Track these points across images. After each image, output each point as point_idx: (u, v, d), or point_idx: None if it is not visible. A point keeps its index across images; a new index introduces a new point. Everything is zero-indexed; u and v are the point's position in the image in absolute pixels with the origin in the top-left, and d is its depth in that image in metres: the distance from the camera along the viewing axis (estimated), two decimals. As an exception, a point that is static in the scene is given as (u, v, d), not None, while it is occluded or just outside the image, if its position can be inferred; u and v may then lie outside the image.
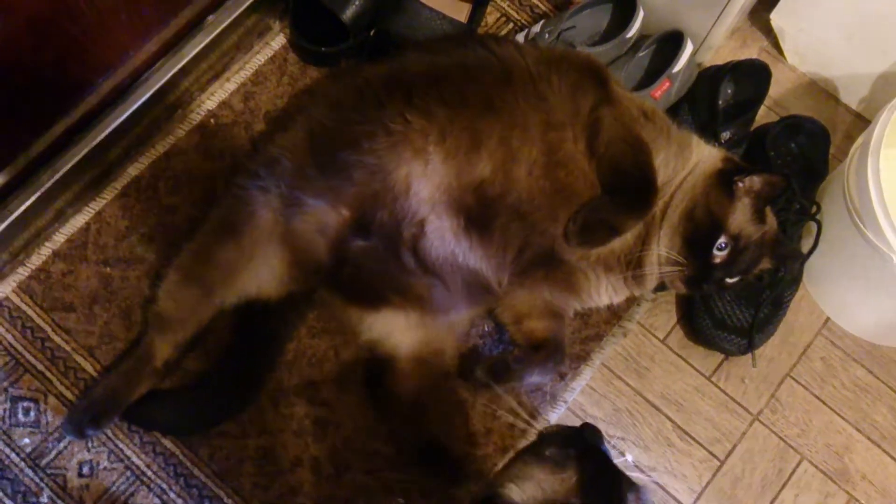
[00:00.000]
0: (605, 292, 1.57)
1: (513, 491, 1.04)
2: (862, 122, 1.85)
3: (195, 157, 1.69)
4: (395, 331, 1.53)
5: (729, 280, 1.48)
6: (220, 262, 1.46)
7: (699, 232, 1.46)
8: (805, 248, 1.60)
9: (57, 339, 1.56)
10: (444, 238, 1.44)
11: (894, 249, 1.43)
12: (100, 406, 1.46)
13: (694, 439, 1.60)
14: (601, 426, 1.57)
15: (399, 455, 1.55)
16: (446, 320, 1.55)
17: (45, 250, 1.60)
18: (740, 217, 1.47)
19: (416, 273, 1.47)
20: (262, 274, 1.47)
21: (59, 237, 1.61)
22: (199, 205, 1.64)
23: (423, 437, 1.53)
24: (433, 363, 1.55)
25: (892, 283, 1.49)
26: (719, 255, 1.45)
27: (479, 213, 1.44)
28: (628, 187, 1.47)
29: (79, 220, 1.63)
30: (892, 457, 1.61)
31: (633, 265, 1.50)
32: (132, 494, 1.50)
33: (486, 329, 1.64)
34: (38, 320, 1.56)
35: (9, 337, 1.55)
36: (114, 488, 1.50)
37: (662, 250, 1.47)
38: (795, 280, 1.65)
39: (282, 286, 1.50)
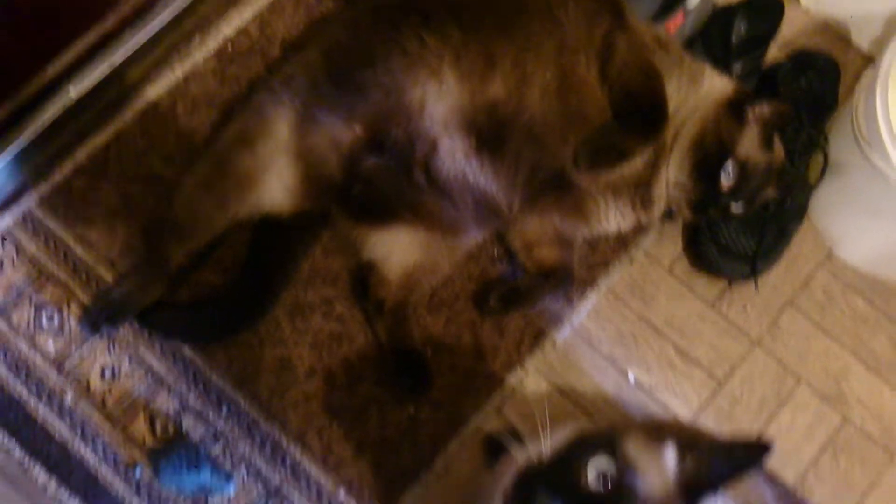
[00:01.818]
0: (613, 218, 1.60)
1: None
2: (873, 63, 1.86)
3: (212, 83, 1.73)
4: (396, 250, 1.58)
5: (734, 207, 1.51)
6: (234, 172, 1.50)
7: (708, 157, 1.49)
8: (811, 183, 1.63)
9: (79, 250, 1.61)
10: (455, 158, 1.48)
11: (898, 170, 1.46)
12: (115, 306, 1.53)
13: (695, 362, 1.65)
14: (605, 347, 1.64)
15: (380, 361, 1.61)
16: (453, 242, 1.60)
17: (67, 166, 1.65)
18: (748, 143, 1.49)
19: (427, 191, 1.51)
20: (275, 187, 1.51)
21: (81, 154, 1.66)
22: (216, 128, 1.67)
23: (402, 346, 1.59)
24: (423, 280, 1.61)
25: (894, 210, 1.53)
26: (726, 181, 1.48)
27: (491, 134, 1.47)
28: (639, 112, 1.50)
29: (99, 140, 1.67)
30: (888, 383, 1.66)
31: (641, 190, 1.54)
32: (153, 397, 1.57)
33: (497, 254, 1.69)
34: (61, 233, 1.62)
35: (31, 247, 1.61)
36: (135, 391, 1.57)
37: (671, 175, 1.50)
38: (801, 211, 1.68)
39: (294, 202, 1.54)
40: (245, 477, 1.55)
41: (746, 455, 0.92)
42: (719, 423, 1.61)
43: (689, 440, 0.96)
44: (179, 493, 1.52)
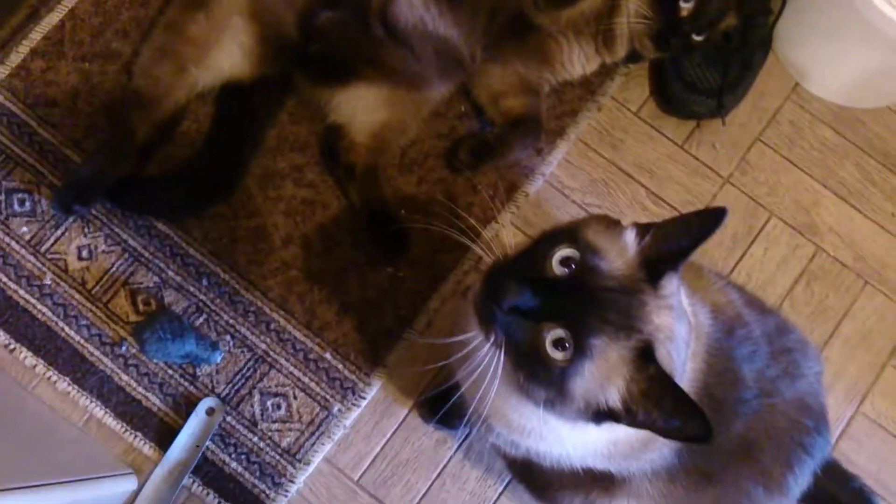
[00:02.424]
0: (577, 60, 1.59)
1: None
2: None
3: (163, -50, 1.69)
4: (361, 110, 1.57)
5: (696, 36, 1.51)
6: (190, 35, 1.48)
7: (666, -16, 1.47)
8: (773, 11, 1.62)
9: (44, 133, 1.60)
10: (413, 4, 1.46)
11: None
12: (85, 184, 1.52)
13: (667, 203, 1.66)
14: (577, 195, 1.65)
15: (356, 225, 1.61)
16: (418, 97, 1.59)
17: (23, 48, 1.62)
18: (706, -33, 1.48)
19: (386, 43, 1.50)
20: (233, 50, 1.50)
21: (36, 35, 1.63)
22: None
23: (377, 208, 1.59)
24: (391, 140, 1.60)
25: (858, 32, 1.51)
26: (685, 7, 1.47)
27: (448, -22, 1.45)
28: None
29: (53, 18, 1.64)
30: (857, 209, 1.68)
31: (603, 27, 1.52)
32: (132, 274, 1.58)
33: (464, 109, 1.68)
34: (24, 116, 1.60)
35: (-4, 133, 1.60)
36: (113, 269, 1.58)
37: (630, 7, 1.49)
38: (764, 43, 1.67)
39: (254, 66, 1.53)
40: (231, 345, 1.57)
41: (702, 223, 0.93)
42: (705, 264, 1.63)
43: (649, 224, 0.98)
44: (167, 364, 1.55)
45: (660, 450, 1.08)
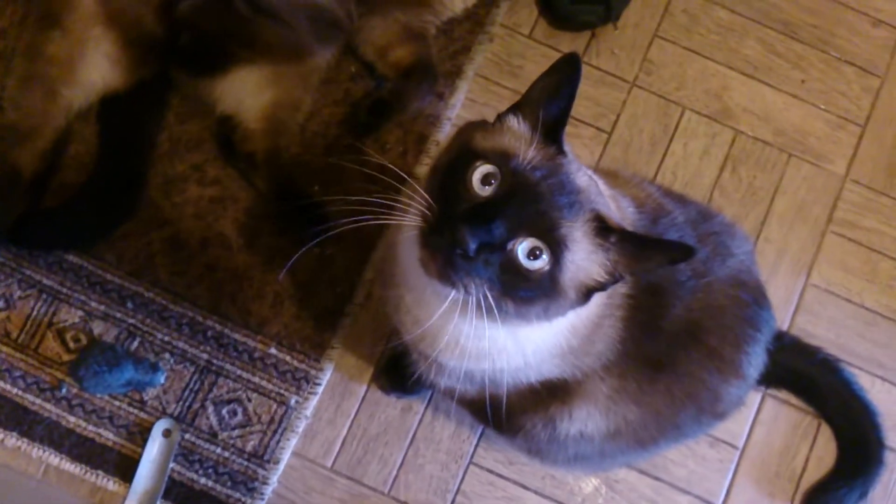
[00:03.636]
0: (455, -6, 1.55)
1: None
2: None
3: (9, -25, 1.61)
4: (247, 94, 1.51)
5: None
6: (51, 56, 1.42)
7: None
8: None
9: (-72, 190, 1.53)
10: (272, -26, 1.40)
11: None
12: (-20, 231, 1.46)
13: (579, 120, 1.63)
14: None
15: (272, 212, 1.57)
16: (302, 68, 1.53)
17: None
18: None
19: (255, 20, 1.44)
20: (100, 62, 1.44)
21: None
22: (23, 21, 1.55)
23: (288, 191, 1.54)
24: (286, 119, 1.55)
25: None
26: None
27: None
28: None
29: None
30: (767, 84, 1.66)
31: None
32: (54, 313, 1.52)
33: (354, 70, 1.63)
34: None
35: None
36: (34, 313, 1.52)
37: None
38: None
39: (126, 73, 1.47)
40: (172, 363, 1.52)
41: (565, 73, 0.91)
42: (619, 168, 1.60)
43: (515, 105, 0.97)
44: (112, 396, 1.50)
45: (607, 334, 1.07)
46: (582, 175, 0.93)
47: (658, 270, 1.00)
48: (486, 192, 0.90)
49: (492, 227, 0.87)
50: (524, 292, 0.90)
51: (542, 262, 0.88)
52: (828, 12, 1.70)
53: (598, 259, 0.91)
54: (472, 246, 0.86)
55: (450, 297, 0.92)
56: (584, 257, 0.90)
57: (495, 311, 0.90)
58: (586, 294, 0.92)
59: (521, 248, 0.88)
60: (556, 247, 0.88)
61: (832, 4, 1.70)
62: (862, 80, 1.69)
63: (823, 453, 1.56)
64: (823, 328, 1.59)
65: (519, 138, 0.93)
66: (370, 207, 0.96)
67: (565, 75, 0.91)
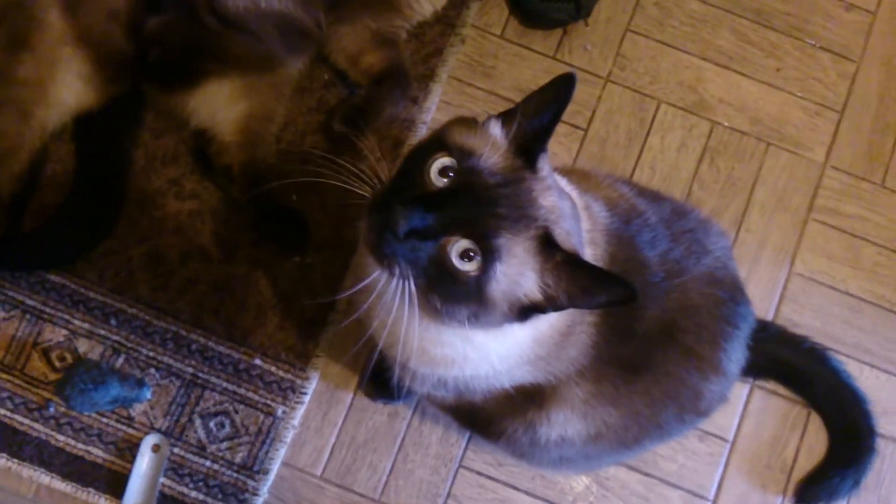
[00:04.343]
0: (424, -1, 1.55)
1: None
2: None
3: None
4: (220, 107, 1.51)
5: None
6: (22, 78, 1.42)
7: None
8: None
9: None
10: (237, -13, 1.40)
11: None
12: (-39, 256, 1.46)
13: (554, 118, 1.62)
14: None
15: (250, 224, 1.57)
16: (274, 78, 1.53)
17: None
18: None
19: (223, 33, 1.44)
20: (71, 82, 1.44)
21: None
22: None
23: (266, 202, 1.54)
24: (260, 131, 1.54)
25: None
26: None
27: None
28: None
29: None
30: (742, 74, 1.65)
31: None
32: (39, 333, 1.52)
33: (327, 77, 1.62)
34: None
35: None
36: (19, 333, 1.52)
37: None
38: (609, -68, 1.63)
39: (99, 91, 1.46)
40: (157, 378, 1.52)
41: (555, 92, 0.91)
42: (594, 167, 1.60)
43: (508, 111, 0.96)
44: (100, 413, 1.50)
45: (578, 340, 1.07)
46: (550, 195, 0.92)
47: (601, 307, 0.98)
48: (440, 183, 0.91)
49: (427, 216, 0.87)
50: (451, 291, 0.90)
51: (472, 267, 0.88)
52: (800, -1, 1.69)
53: (535, 278, 0.90)
54: (402, 229, 0.87)
55: (375, 273, 0.93)
56: (519, 272, 0.89)
57: (421, 301, 0.91)
58: (522, 312, 0.91)
59: (456, 246, 0.88)
60: (489, 254, 0.88)
61: (805, -9, 1.69)
62: (837, 66, 1.68)
63: (814, 443, 1.55)
64: (809, 317, 1.59)
65: (490, 143, 0.93)
66: (331, 169, 1.03)
67: (554, 94, 0.91)
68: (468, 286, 0.89)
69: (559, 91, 0.91)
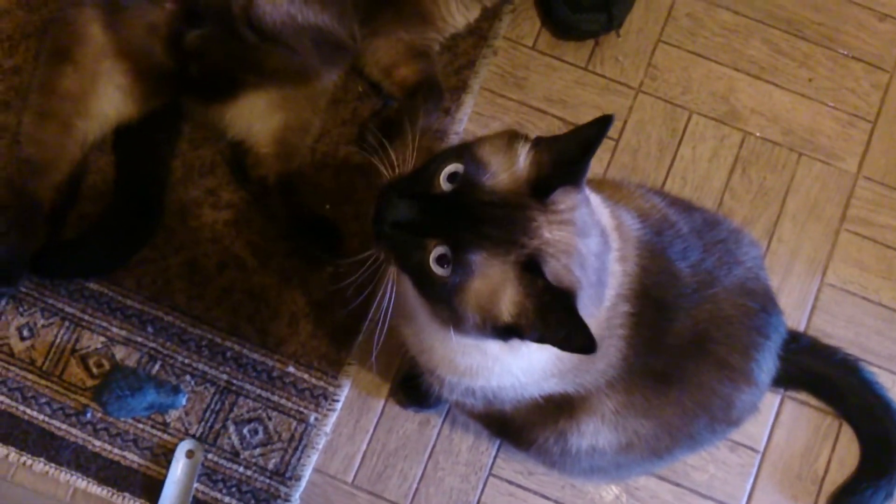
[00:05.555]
0: (457, 11, 1.56)
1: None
2: None
3: (21, 14, 1.65)
4: (256, 119, 1.53)
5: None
6: (64, 91, 1.45)
7: None
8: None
9: (-49, 223, 1.57)
10: (275, 1, 1.42)
11: None
12: (4, 265, 1.49)
13: (585, 128, 1.63)
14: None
15: (285, 234, 1.59)
16: (309, 90, 1.56)
17: None
18: None
19: (261, 46, 1.46)
20: (112, 94, 1.47)
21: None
22: (37, 57, 1.59)
23: (301, 213, 1.56)
24: (296, 142, 1.57)
25: None
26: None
27: (303, -36, 1.41)
28: None
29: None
30: (774, 84, 1.65)
31: None
32: (77, 340, 1.55)
33: (361, 90, 1.65)
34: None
35: None
36: (58, 340, 1.55)
37: None
38: (641, -55, 1.64)
39: (139, 103, 1.50)
40: (193, 384, 1.55)
41: (589, 131, 0.92)
42: (625, 177, 1.61)
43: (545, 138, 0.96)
44: (136, 419, 1.53)
45: (607, 353, 1.07)
46: (560, 229, 0.91)
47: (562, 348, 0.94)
48: (444, 186, 0.93)
49: (412, 213, 0.91)
50: (428, 292, 0.93)
51: (445, 273, 0.90)
52: (832, 9, 1.69)
53: (507, 297, 0.90)
54: (389, 218, 0.91)
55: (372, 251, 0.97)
56: (493, 292, 0.90)
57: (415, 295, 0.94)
58: (497, 330, 0.91)
59: (437, 250, 0.90)
60: (460, 266, 0.89)
61: (836, 1, 1.68)
62: (870, 76, 1.67)
63: (846, 454, 1.54)
64: (841, 327, 1.58)
65: (510, 164, 0.93)
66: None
67: (591, 133, 0.92)
68: (441, 291, 0.91)
69: (593, 130, 0.92)
